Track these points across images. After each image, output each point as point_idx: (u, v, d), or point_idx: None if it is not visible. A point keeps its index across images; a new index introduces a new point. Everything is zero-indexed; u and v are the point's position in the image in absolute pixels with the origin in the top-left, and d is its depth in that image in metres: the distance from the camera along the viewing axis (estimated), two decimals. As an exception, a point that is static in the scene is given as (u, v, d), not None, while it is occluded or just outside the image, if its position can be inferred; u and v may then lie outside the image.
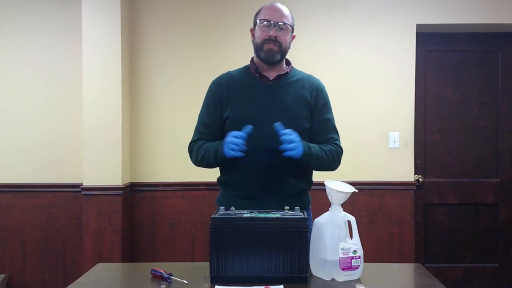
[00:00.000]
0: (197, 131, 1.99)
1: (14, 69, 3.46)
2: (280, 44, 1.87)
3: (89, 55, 3.24)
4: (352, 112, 3.40)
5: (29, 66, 3.45)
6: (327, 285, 1.61)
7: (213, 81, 2.01)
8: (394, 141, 3.42)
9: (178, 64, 3.44)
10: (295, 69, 2.01)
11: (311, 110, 1.92)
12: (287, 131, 1.76)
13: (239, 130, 1.80)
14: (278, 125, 1.77)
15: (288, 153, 1.75)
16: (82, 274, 1.84)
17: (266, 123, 1.83)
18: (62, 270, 3.44)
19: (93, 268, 1.90)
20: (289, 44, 1.93)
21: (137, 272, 1.95)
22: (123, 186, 3.25)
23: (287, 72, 1.95)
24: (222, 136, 1.91)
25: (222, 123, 1.93)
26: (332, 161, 1.92)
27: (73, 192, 3.38)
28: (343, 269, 1.62)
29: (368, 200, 3.40)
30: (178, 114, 3.42)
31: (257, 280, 1.59)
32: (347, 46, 3.43)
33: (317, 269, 1.67)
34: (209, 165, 1.94)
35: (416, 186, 3.48)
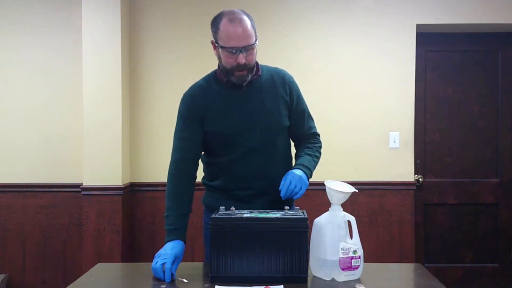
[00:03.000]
0: (177, 149, 1.91)
1: (14, 69, 3.46)
2: (249, 66, 1.78)
3: (89, 55, 3.24)
4: (352, 112, 3.40)
5: (29, 66, 3.45)
6: (327, 285, 1.61)
7: (185, 95, 1.91)
8: (394, 141, 3.42)
9: (178, 64, 3.44)
10: (261, 65, 1.91)
11: (288, 106, 1.90)
12: (284, 187, 1.75)
13: (222, 141, 1.84)
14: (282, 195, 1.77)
15: (300, 193, 1.78)
16: (82, 274, 1.84)
17: (249, 130, 1.83)
18: (62, 270, 3.44)
19: (93, 268, 1.90)
20: (256, 53, 1.83)
21: (137, 272, 1.95)
22: (123, 186, 3.25)
23: (259, 74, 1.87)
24: (201, 149, 1.91)
25: (201, 136, 1.87)
26: (319, 157, 1.99)
27: (73, 192, 3.38)
28: (343, 269, 1.62)
29: (368, 200, 3.40)
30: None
31: (257, 280, 1.59)
32: (347, 46, 3.43)
33: (317, 269, 1.67)
34: None
35: (416, 186, 3.48)
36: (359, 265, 1.65)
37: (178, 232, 1.80)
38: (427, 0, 3.41)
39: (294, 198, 1.78)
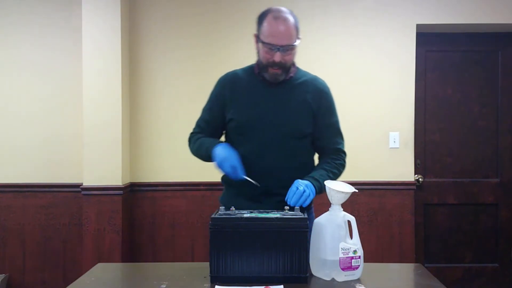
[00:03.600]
0: (197, 124, 2.02)
1: (14, 69, 3.46)
2: (285, 65, 1.82)
3: (89, 55, 3.24)
4: (352, 112, 3.40)
5: (29, 66, 3.45)
6: (327, 285, 1.61)
7: (219, 79, 2.00)
8: (394, 141, 3.42)
9: (178, 64, 3.44)
10: (300, 70, 1.96)
11: (314, 114, 1.90)
12: (291, 193, 1.75)
13: (242, 132, 1.87)
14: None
15: (308, 198, 1.75)
16: (82, 274, 1.84)
17: (268, 126, 1.85)
18: (62, 270, 3.44)
19: (93, 268, 1.90)
20: (296, 53, 1.88)
21: (137, 272, 1.95)
22: (123, 186, 3.25)
23: (291, 76, 1.91)
24: (221, 133, 1.99)
25: (222, 121, 1.95)
26: (338, 175, 1.94)
27: (73, 192, 3.38)
28: (343, 269, 1.62)
29: (368, 200, 3.40)
30: (178, 114, 3.42)
31: (257, 280, 1.59)
32: (347, 46, 3.43)
33: (317, 269, 1.67)
34: (202, 159, 1.97)
35: (416, 186, 3.48)
36: (359, 265, 1.65)
37: (216, 140, 1.90)
38: (427, 0, 3.41)
39: (303, 205, 1.74)
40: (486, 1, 3.40)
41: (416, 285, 1.79)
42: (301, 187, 1.74)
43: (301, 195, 1.73)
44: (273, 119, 1.86)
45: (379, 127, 3.43)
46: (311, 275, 1.67)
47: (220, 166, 1.81)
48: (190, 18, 3.44)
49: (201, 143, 1.94)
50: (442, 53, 3.62)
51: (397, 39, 3.41)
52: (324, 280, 1.64)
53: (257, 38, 1.84)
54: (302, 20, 3.72)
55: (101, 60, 3.24)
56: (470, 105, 3.61)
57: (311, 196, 1.76)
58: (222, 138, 2.04)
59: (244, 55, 3.40)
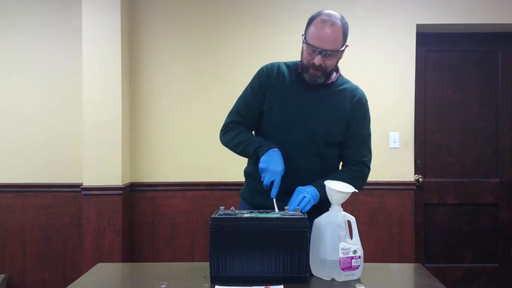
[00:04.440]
0: (238, 112, 1.95)
1: (14, 69, 3.46)
2: (325, 70, 1.82)
3: (89, 55, 3.24)
4: (352, 112, 3.40)
5: (29, 66, 3.45)
6: (327, 285, 1.61)
7: (263, 68, 1.95)
8: (394, 141, 3.42)
9: (178, 63, 3.44)
10: (342, 77, 1.96)
11: (347, 123, 1.88)
12: (291, 200, 1.75)
13: (274, 128, 1.86)
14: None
15: (305, 208, 1.74)
16: (82, 274, 1.84)
17: (301, 128, 1.85)
18: (62, 270, 3.44)
19: (93, 268, 1.90)
20: (339, 59, 1.88)
21: (137, 272, 1.95)
22: (123, 186, 3.25)
23: (333, 81, 1.90)
24: (257, 124, 1.94)
25: (260, 110, 1.91)
26: (355, 185, 1.84)
27: (73, 192, 3.38)
28: (343, 269, 1.62)
29: (368, 200, 3.40)
30: (178, 114, 3.42)
31: (257, 280, 1.59)
32: (347, 46, 3.42)
33: (317, 269, 1.67)
34: (241, 154, 1.93)
35: (416, 186, 3.47)
36: (359, 265, 1.65)
37: (271, 143, 1.83)
38: (427, 0, 3.41)
39: (303, 210, 1.73)
40: (486, 1, 3.40)
41: (416, 285, 1.79)
42: (301, 194, 1.74)
43: (300, 201, 1.73)
44: (306, 122, 1.85)
45: (379, 127, 3.42)
46: (311, 275, 1.67)
47: (262, 172, 1.78)
48: (190, 18, 3.44)
49: (249, 138, 1.89)
50: (442, 53, 3.62)
51: (397, 39, 3.41)
52: (324, 280, 1.64)
53: (303, 38, 1.83)
54: (302, 21, 3.71)
55: (101, 60, 3.24)
56: (470, 105, 3.61)
57: (311, 202, 1.76)
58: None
59: (244, 54, 3.42)
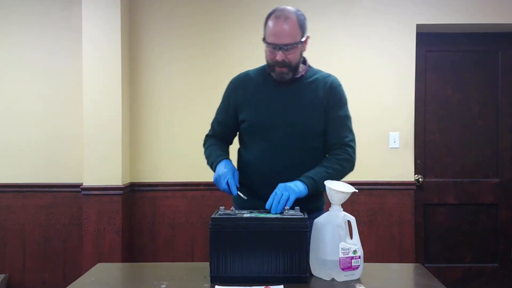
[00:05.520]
0: (212, 126, 2.06)
1: (14, 69, 3.46)
2: (289, 65, 1.82)
3: (89, 55, 3.24)
4: (352, 112, 3.37)
5: (29, 66, 3.45)
6: (327, 285, 1.61)
7: (231, 81, 2.01)
8: (394, 141, 3.42)
9: (178, 63, 3.44)
10: (312, 68, 1.96)
11: (325, 110, 1.89)
12: (270, 199, 1.72)
13: (254, 132, 1.89)
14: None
15: (288, 200, 1.72)
16: (82, 274, 1.84)
17: (280, 126, 1.86)
18: (62, 270, 3.44)
19: (93, 268, 1.90)
20: (302, 52, 1.88)
21: (137, 272, 1.95)
22: (123, 186, 3.25)
23: (302, 75, 1.91)
24: (234, 134, 2.02)
25: (236, 123, 1.97)
26: (343, 171, 1.88)
27: (73, 192, 3.38)
28: (343, 269, 1.62)
29: (368, 200, 3.40)
30: (178, 114, 3.42)
31: (257, 280, 1.59)
32: (347, 46, 3.43)
33: (317, 269, 1.67)
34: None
35: (416, 186, 3.48)
36: (359, 265, 1.65)
37: (225, 156, 1.93)
38: (427, 0, 3.41)
39: (287, 205, 1.71)
40: (486, 1, 3.40)
41: (416, 285, 1.79)
42: (279, 191, 1.72)
43: (279, 200, 1.70)
44: (284, 119, 1.86)
45: (379, 127, 3.43)
46: (311, 275, 1.67)
47: (216, 183, 1.84)
48: (190, 18, 3.44)
49: (209, 154, 1.98)
50: (442, 53, 3.62)
51: (397, 39, 3.41)
52: (324, 280, 1.64)
53: (263, 39, 1.85)
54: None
55: (101, 60, 3.24)
56: (470, 105, 3.61)
57: (292, 198, 1.71)
58: (236, 139, 2.06)
59: (243, 54, 3.42)
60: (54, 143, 3.44)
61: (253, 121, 1.90)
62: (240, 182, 1.94)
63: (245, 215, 1.64)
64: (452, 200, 3.61)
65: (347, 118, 1.94)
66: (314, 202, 1.91)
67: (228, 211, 1.70)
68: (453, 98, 3.61)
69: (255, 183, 1.90)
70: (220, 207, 1.73)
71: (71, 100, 3.42)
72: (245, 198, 1.82)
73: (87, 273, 1.83)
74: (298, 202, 1.74)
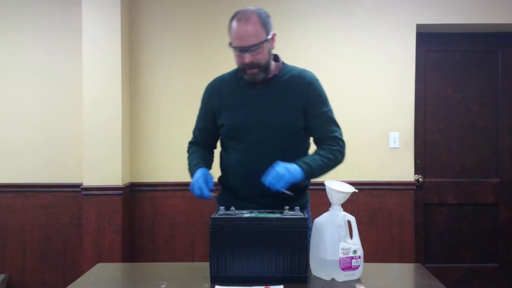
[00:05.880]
0: (193, 133, 2.08)
1: (14, 69, 3.46)
2: (259, 65, 1.80)
3: (89, 55, 3.24)
4: (352, 112, 3.40)
5: (29, 65, 3.45)
6: (327, 285, 1.61)
7: (206, 86, 2.02)
8: (394, 141, 3.42)
9: (178, 63, 3.44)
10: (286, 66, 1.94)
11: (304, 107, 1.86)
12: (270, 178, 1.70)
13: (234, 136, 1.88)
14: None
15: (280, 187, 1.70)
16: (82, 274, 1.84)
17: (258, 127, 1.85)
18: (62, 270, 3.44)
19: (93, 268, 1.90)
20: (271, 50, 1.86)
21: (137, 272, 1.95)
22: (123, 186, 3.25)
23: (275, 74, 1.89)
24: (216, 139, 2.02)
25: (215, 128, 1.97)
26: (335, 161, 1.88)
27: (73, 192, 3.38)
28: (343, 269, 1.62)
29: (368, 200, 3.40)
30: (178, 114, 3.42)
31: (257, 280, 1.59)
32: (347, 46, 3.43)
33: (317, 269, 1.67)
34: None
35: (416, 186, 3.48)
36: (359, 265, 1.65)
37: (201, 164, 1.92)
38: (427, 0, 3.41)
39: (279, 187, 1.69)
40: (486, 1, 3.40)
41: (416, 285, 1.79)
42: (280, 170, 1.69)
43: (279, 178, 1.68)
44: (262, 119, 1.85)
45: (379, 127, 3.43)
46: (311, 275, 1.67)
47: (191, 190, 1.85)
48: (190, 18, 3.44)
49: (189, 163, 2.00)
50: (442, 53, 3.62)
51: (397, 39, 3.41)
52: (324, 280, 1.64)
53: (229, 43, 1.83)
54: (302, 20, 3.72)
55: (101, 60, 3.24)
56: (470, 105, 3.61)
57: (287, 177, 1.69)
58: (219, 143, 2.06)
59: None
60: (54, 143, 3.44)
61: (231, 125, 1.89)
62: (224, 184, 1.97)
63: (245, 215, 1.64)
64: (452, 200, 3.61)
65: (330, 112, 1.92)
66: (299, 200, 1.89)
67: (228, 211, 1.70)
68: (453, 98, 3.61)
69: (237, 185, 1.90)
70: (220, 207, 1.73)
71: (71, 100, 3.42)
72: (210, 196, 1.83)
73: (87, 273, 1.83)
74: (284, 201, 1.76)
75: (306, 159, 1.82)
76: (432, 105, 3.61)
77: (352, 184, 1.70)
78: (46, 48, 3.45)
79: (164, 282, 1.64)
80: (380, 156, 3.43)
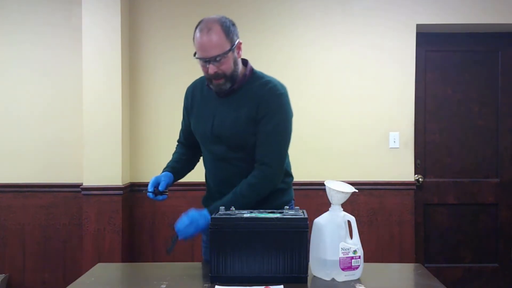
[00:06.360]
0: (180, 134, 2.10)
1: (14, 69, 3.46)
2: (224, 75, 1.74)
3: (89, 55, 3.24)
4: (352, 112, 3.40)
5: (29, 66, 3.45)
6: (327, 285, 1.61)
7: (186, 90, 2.03)
8: (394, 141, 3.42)
9: (178, 63, 3.44)
10: (257, 75, 1.84)
11: (254, 120, 1.77)
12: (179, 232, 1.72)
13: (201, 143, 1.92)
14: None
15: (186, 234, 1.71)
16: (82, 274, 1.84)
17: (218, 141, 1.83)
18: (62, 270, 3.44)
19: (93, 268, 1.90)
20: (237, 59, 1.78)
21: (137, 272, 1.95)
22: (123, 186, 3.25)
23: (242, 84, 1.81)
24: (195, 140, 1.98)
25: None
26: (254, 195, 1.78)
27: (73, 192, 3.38)
28: (343, 269, 1.62)
29: (368, 200, 3.40)
30: (178, 114, 3.38)
31: (257, 280, 1.59)
32: (347, 46, 3.43)
33: (317, 269, 1.66)
34: None
35: (416, 186, 3.48)
36: (359, 265, 1.65)
37: (168, 168, 1.99)
38: (427, 0, 3.41)
39: (188, 234, 1.71)
40: (486, 1, 3.40)
41: (416, 285, 1.79)
42: (187, 216, 1.72)
43: (185, 232, 1.71)
44: (221, 132, 1.80)
45: (379, 127, 3.43)
46: (311, 275, 1.67)
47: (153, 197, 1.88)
48: (190, 17, 3.42)
49: (169, 161, 2.06)
50: (442, 53, 3.62)
51: (397, 39, 3.41)
52: (324, 280, 1.64)
53: (194, 53, 1.79)
54: (302, 20, 3.72)
55: (101, 60, 3.24)
56: (470, 105, 3.61)
57: (195, 226, 1.70)
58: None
59: (243, 54, 3.41)
60: (54, 143, 3.44)
61: (197, 133, 1.91)
62: (207, 182, 2.00)
63: (245, 215, 1.64)
64: (452, 200, 3.61)
65: (274, 133, 1.77)
66: (279, 198, 1.87)
67: (228, 211, 1.70)
68: (453, 98, 3.61)
69: (212, 188, 1.94)
70: (220, 207, 1.73)
71: (71, 100, 3.42)
72: (160, 198, 1.89)
73: (87, 273, 1.82)
74: (263, 199, 1.78)
75: (218, 202, 1.75)
76: (432, 105, 3.61)
77: (352, 184, 1.70)
78: (46, 48, 3.45)
79: (164, 282, 1.64)
80: (380, 156, 3.43)
